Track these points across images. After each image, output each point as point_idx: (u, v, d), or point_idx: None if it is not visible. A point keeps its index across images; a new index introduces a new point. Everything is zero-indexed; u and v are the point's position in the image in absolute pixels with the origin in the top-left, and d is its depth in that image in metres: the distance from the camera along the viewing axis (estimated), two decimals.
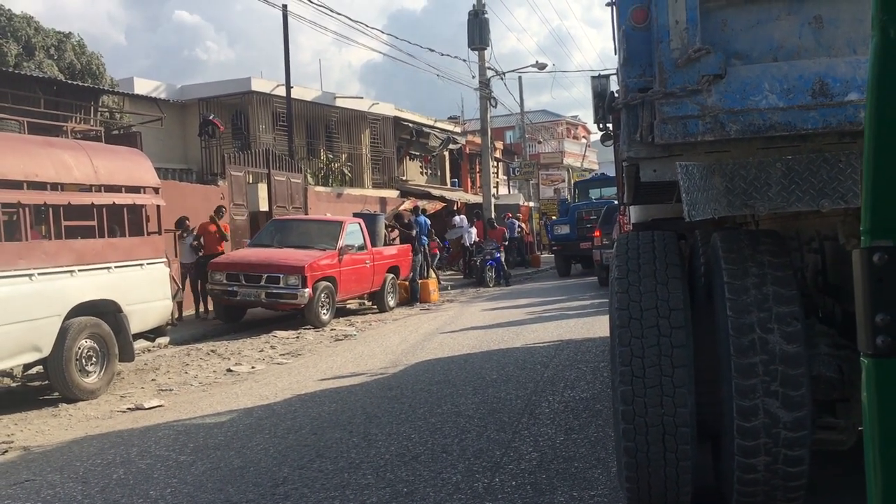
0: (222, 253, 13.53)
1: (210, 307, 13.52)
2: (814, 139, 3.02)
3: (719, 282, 3.30)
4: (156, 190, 9.31)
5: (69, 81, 15.56)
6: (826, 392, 3.24)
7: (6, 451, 5.85)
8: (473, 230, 22.48)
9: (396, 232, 18.28)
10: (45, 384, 8.10)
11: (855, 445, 3.20)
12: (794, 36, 3.03)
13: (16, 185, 7.39)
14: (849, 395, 3.30)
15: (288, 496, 4.34)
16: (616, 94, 3.64)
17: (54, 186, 7.82)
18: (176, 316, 11.47)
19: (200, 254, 13.39)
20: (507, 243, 22.29)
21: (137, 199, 8.93)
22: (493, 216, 23.90)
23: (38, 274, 7.39)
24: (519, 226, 23.58)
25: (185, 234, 13.16)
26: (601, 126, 4.54)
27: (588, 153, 50.03)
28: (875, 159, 1.20)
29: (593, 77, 4.33)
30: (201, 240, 13.55)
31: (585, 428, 5.50)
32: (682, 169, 3.03)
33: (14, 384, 8.66)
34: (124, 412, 7.19)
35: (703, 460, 3.72)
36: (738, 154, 3.11)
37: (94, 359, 7.95)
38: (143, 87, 20.64)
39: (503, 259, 20.87)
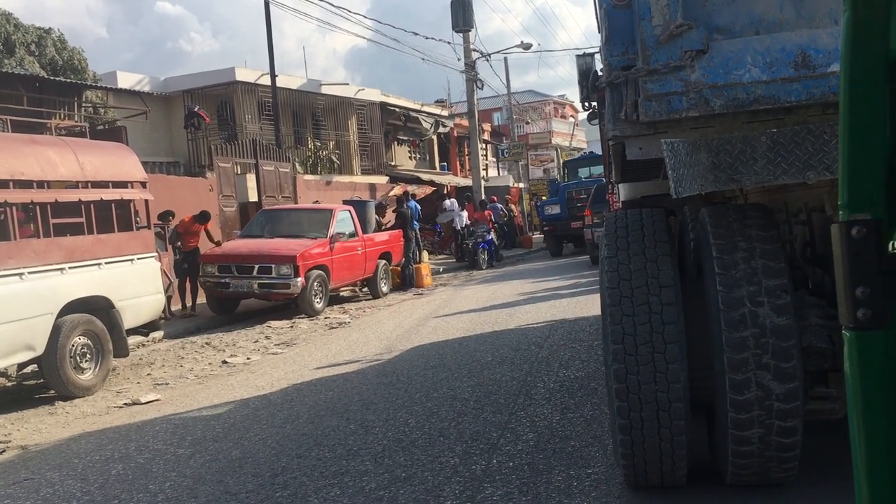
0: (196, 249, 13.21)
1: (187, 303, 13.28)
2: (798, 111, 3.03)
3: (708, 257, 3.34)
4: (143, 184, 9.27)
5: (51, 78, 15.42)
6: (817, 363, 3.28)
7: (4, 451, 5.85)
8: (464, 213, 22.48)
9: (391, 215, 18.25)
10: (41, 383, 8.10)
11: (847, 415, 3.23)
12: (775, 9, 3.03)
13: (2, 184, 7.35)
14: (840, 365, 3.24)
15: (287, 485, 4.35)
16: (600, 74, 3.67)
17: (41, 184, 7.77)
18: (167, 311, 11.36)
19: (177, 254, 13.06)
20: (496, 224, 22.26)
21: (125, 194, 8.89)
22: (483, 198, 23.89)
23: (29, 273, 7.36)
24: (502, 209, 23.59)
25: (164, 228, 12.81)
26: (587, 105, 4.60)
27: (576, 132, 49.97)
28: (850, 133, 1.21)
29: (578, 56, 4.41)
30: (179, 236, 13.25)
31: (581, 406, 5.53)
32: (667, 146, 3.04)
33: (10, 383, 8.65)
34: (121, 408, 7.19)
35: (697, 434, 3.77)
36: (722, 129, 3.11)
37: (88, 355, 7.94)
38: (126, 80, 20.49)
39: (495, 240, 20.87)
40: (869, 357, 1.21)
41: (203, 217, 13.51)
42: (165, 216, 12.75)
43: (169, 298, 11.40)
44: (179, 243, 12.95)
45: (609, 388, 3.63)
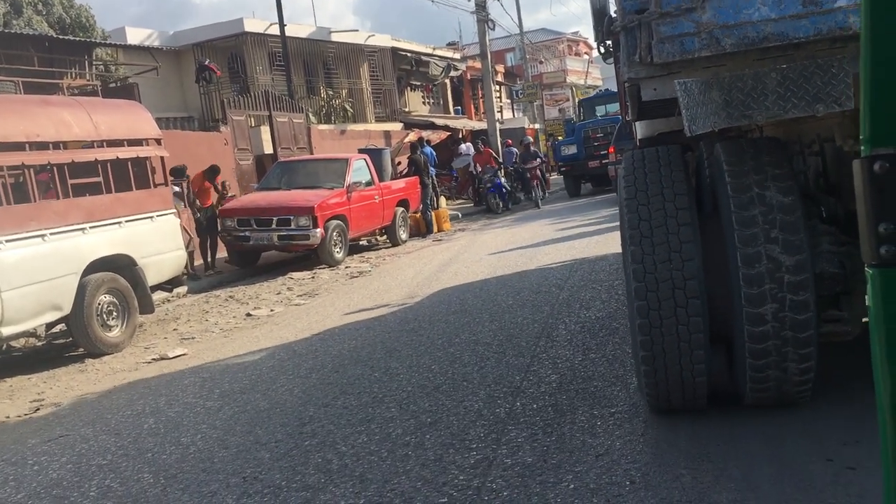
0: (212, 206, 12.95)
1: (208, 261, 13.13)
2: (806, 47, 3.11)
3: (724, 194, 3.46)
4: (158, 141, 9.26)
5: (61, 37, 15.32)
6: (830, 287, 3.44)
7: (38, 409, 5.99)
8: (518, 155, 22.46)
9: (405, 161, 18.16)
10: (70, 341, 8.25)
11: (860, 336, 3.25)
12: None
13: (18, 146, 7.38)
14: (851, 288, 3.50)
15: (315, 433, 4.43)
16: (614, 17, 3.73)
17: (56, 145, 7.79)
18: (190, 267, 11.37)
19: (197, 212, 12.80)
20: (502, 164, 22.03)
21: (140, 151, 8.90)
22: (478, 140, 23.67)
23: (51, 234, 7.43)
24: (516, 153, 23.35)
25: (181, 186, 12.62)
26: (602, 45, 4.62)
27: (591, 70, 49.16)
28: (872, 67, 1.17)
29: None
30: (196, 195, 13.02)
31: (602, 347, 5.55)
32: (680, 86, 3.16)
33: (40, 343, 8.82)
34: (149, 363, 7.32)
35: (717, 362, 3.90)
36: (734, 67, 3.21)
37: (114, 313, 8.05)
38: (135, 36, 20.34)
39: (504, 182, 20.68)
40: (893, 293, 1.18)
41: (212, 171, 13.37)
42: (179, 172, 12.54)
43: (190, 254, 11.44)
44: (197, 202, 12.84)
45: (632, 322, 3.77)
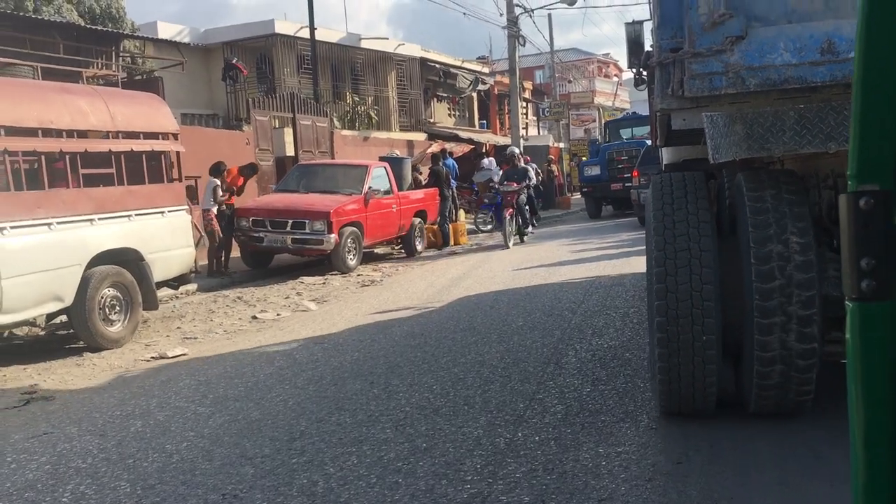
0: (233, 205, 12.87)
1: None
2: (822, 91, 3.48)
3: (743, 216, 3.78)
4: (175, 136, 9.13)
5: (89, 26, 15.30)
6: (834, 310, 3.67)
7: (28, 402, 5.82)
8: (502, 172, 22.09)
9: (426, 172, 17.94)
10: (71, 333, 8.10)
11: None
12: (805, 1, 3.47)
13: (30, 132, 7.26)
14: None
15: (304, 451, 4.22)
16: (650, 52, 4.16)
17: (70, 133, 7.67)
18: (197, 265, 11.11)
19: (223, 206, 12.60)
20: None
21: (156, 145, 8.76)
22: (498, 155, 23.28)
23: (57, 223, 7.30)
24: (536, 170, 22.89)
25: (196, 182, 12.48)
26: (635, 71, 5.21)
27: (620, 92, 48.86)
28: (861, 103, 1.21)
29: (627, 24, 5.11)
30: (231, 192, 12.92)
31: (613, 378, 5.30)
32: (707, 118, 3.52)
33: (42, 332, 8.69)
34: (148, 361, 7.15)
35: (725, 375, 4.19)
36: (756, 104, 3.57)
37: (117, 307, 7.89)
38: (166, 31, 20.34)
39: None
40: (871, 328, 1.22)
41: (250, 169, 13.34)
42: (217, 169, 12.37)
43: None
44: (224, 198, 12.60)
45: (650, 322, 4.16)
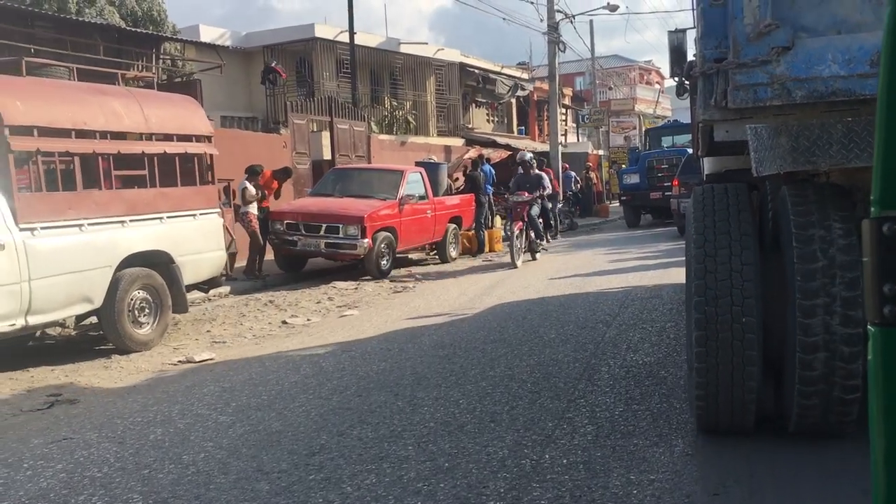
0: (268, 208, 12.91)
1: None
2: (872, 104, 3.20)
3: (787, 231, 3.67)
4: (209, 138, 9.10)
5: (129, 28, 15.44)
6: None
7: (52, 405, 5.77)
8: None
9: (461, 177, 17.73)
10: (100, 334, 8.08)
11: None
12: (855, 11, 3.35)
13: (64, 133, 7.26)
14: None
15: (322, 467, 4.07)
16: (694, 61, 4.07)
17: (104, 135, 7.66)
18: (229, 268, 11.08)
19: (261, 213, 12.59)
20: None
21: (189, 147, 8.74)
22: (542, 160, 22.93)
23: (89, 224, 7.28)
24: (575, 178, 22.49)
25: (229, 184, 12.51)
26: (677, 80, 5.01)
27: (661, 100, 48.22)
28: (886, 129, 1.20)
29: (670, 32, 5.00)
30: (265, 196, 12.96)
31: (648, 398, 5.08)
32: (751, 130, 3.46)
33: (73, 332, 8.70)
34: (175, 365, 7.09)
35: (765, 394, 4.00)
36: (802, 117, 3.47)
37: (146, 310, 7.86)
38: (208, 34, 20.53)
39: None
40: (893, 353, 1.20)
41: (284, 173, 13.33)
42: (254, 172, 12.37)
43: (232, 255, 11.24)
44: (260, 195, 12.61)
45: (689, 335, 4.11)
